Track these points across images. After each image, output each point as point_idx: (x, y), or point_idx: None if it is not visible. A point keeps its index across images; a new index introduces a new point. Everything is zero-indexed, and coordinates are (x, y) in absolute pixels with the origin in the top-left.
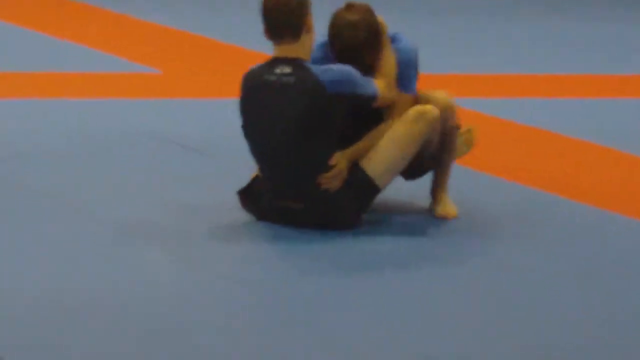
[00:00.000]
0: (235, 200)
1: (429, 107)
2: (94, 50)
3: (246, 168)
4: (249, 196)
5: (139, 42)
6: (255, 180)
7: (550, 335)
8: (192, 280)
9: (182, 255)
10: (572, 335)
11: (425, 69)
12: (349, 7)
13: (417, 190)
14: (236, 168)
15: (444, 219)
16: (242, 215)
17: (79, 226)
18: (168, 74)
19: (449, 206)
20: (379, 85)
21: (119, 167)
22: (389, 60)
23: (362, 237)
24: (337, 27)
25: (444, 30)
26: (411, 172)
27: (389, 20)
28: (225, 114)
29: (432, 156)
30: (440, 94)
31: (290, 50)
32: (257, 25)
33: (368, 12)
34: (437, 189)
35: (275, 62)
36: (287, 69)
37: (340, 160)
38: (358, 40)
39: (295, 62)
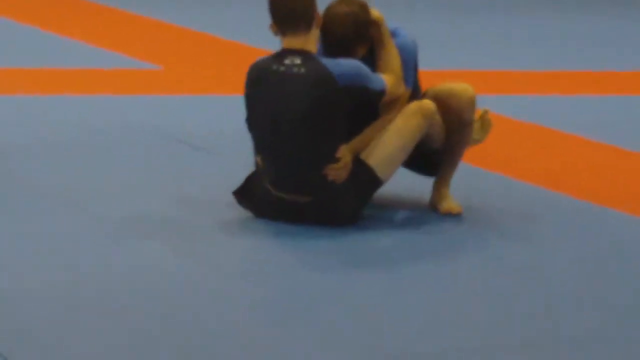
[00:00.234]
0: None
1: (426, 102)
2: (93, 46)
3: (247, 164)
4: (244, 195)
5: (139, 38)
6: (250, 178)
7: (551, 331)
8: (194, 274)
9: (183, 250)
10: (573, 331)
11: (423, 65)
12: (342, 0)
13: (417, 185)
14: (237, 164)
15: (448, 214)
16: (242, 211)
17: (80, 221)
18: (168, 70)
19: (453, 201)
20: (388, 81)
21: (119, 163)
22: (395, 56)
23: (362, 232)
24: (327, 19)
25: (441, 26)
26: (425, 167)
27: (387, 15)
28: (226, 110)
29: (444, 147)
30: (464, 87)
31: (299, 42)
32: (258, 21)
33: (360, 6)
34: (441, 183)
35: (284, 53)
36: (297, 60)
37: (346, 152)
38: (346, 34)
39: (304, 54)
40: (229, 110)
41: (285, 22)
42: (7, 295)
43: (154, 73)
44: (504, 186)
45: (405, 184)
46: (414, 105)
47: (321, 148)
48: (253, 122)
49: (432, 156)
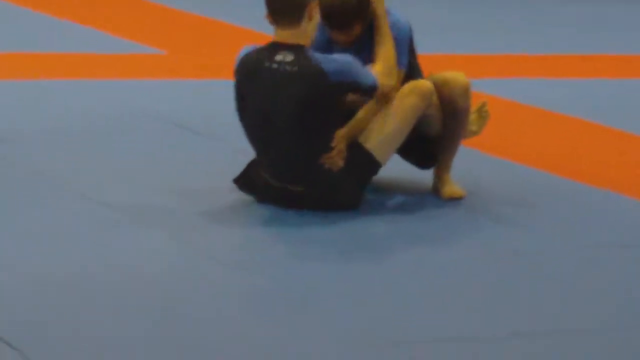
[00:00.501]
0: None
1: (422, 81)
2: (97, 30)
3: (250, 149)
4: (245, 182)
5: (143, 22)
6: (251, 165)
7: (551, 318)
8: (192, 263)
9: (183, 238)
10: (573, 318)
11: (420, 49)
12: None
13: (416, 170)
14: (240, 150)
15: (451, 199)
16: (243, 198)
17: (81, 208)
18: (173, 55)
19: (455, 186)
20: (378, 71)
21: (122, 149)
22: (389, 46)
23: (361, 218)
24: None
25: (438, 11)
26: (423, 159)
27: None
28: (229, 95)
29: (441, 136)
30: (456, 76)
31: (291, 35)
32: (262, 6)
33: None
34: (442, 169)
35: (275, 47)
36: (289, 57)
37: (340, 139)
38: (349, 8)
39: (296, 49)
40: (233, 96)
41: (278, 13)
42: (4, 277)
43: (158, 58)
44: (503, 170)
45: (404, 169)
46: (410, 85)
47: (314, 142)
48: (245, 115)
49: (429, 147)
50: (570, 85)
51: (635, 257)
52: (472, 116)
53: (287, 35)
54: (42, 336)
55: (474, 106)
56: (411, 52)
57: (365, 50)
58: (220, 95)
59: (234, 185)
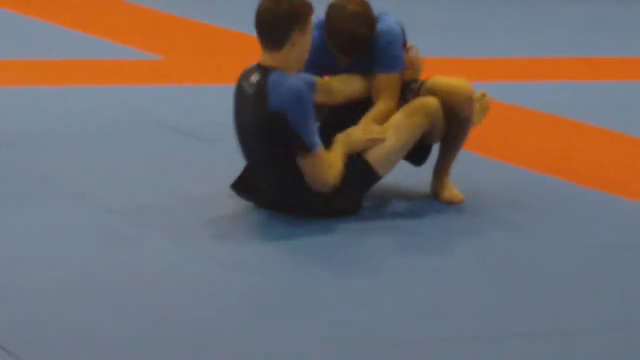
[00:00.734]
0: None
1: (430, 100)
2: (94, 37)
3: None
4: (243, 188)
5: (140, 28)
6: (247, 170)
7: (550, 320)
8: (190, 263)
9: (183, 242)
10: (573, 320)
11: (420, 51)
12: None
13: (415, 173)
14: (236, 154)
15: (450, 203)
16: (242, 202)
17: (80, 213)
18: (170, 60)
19: (454, 190)
20: (326, 156)
21: (120, 154)
22: (338, 154)
23: (359, 222)
24: (337, 18)
25: (436, 13)
26: (418, 158)
27: (375, 3)
28: (226, 100)
29: (444, 139)
30: (463, 86)
31: (273, 59)
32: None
33: (367, 5)
34: (442, 173)
35: (257, 68)
36: (256, 78)
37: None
38: (360, 38)
39: (266, 72)
40: (230, 101)
41: (262, 37)
42: (7, 287)
43: (155, 63)
44: (502, 173)
45: (404, 172)
46: (418, 103)
47: (285, 163)
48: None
49: (424, 144)
50: (569, 88)
51: (633, 258)
52: (478, 104)
53: (269, 59)
54: (41, 337)
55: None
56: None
57: (362, 65)
58: (216, 100)
59: (232, 190)
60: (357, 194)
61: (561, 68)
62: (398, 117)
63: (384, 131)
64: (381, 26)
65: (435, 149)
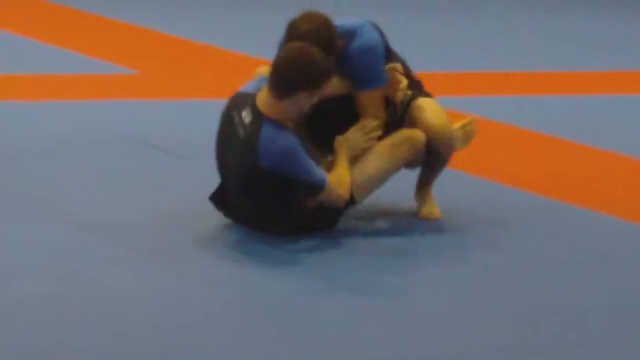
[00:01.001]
0: (211, 204)
1: (416, 134)
2: (67, 50)
3: None
4: (220, 200)
5: (113, 42)
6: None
7: (530, 335)
8: (170, 279)
9: (160, 259)
10: (551, 335)
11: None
12: (304, 16)
13: (399, 190)
14: (213, 170)
15: (427, 219)
16: (220, 218)
17: (55, 230)
18: (143, 75)
19: (433, 207)
20: (330, 180)
21: (94, 170)
22: (342, 169)
23: (340, 237)
24: (290, 37)
25: (415, 27)
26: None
27: (375, 16)
28: (201, 115)
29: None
30: (441, 128)
31: (271, 104)
32: (234, 25)
33: (323, 22)
34: (423, 189)
35: (251, 105)
36: (248, 119)
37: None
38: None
39: (260, 118)
40: (205, 116)
41: (271, 79)
42: None
43: (129, 78)
44: (482, 189)
45: (384, 188)
46: (404, 134)
47: (265, 202)
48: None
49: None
50: (548, 103)
51: (610, 272)
52: (457, 133)
53: (267, 101)
54: (7, 356)
55: (458, 122)
56: (395, 59)
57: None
58: (191, 115)
59: (209, 206)
60: (332, 217)
61: (541, 83)
62: (384, 144)
63: (380, 126)
64: (359, 42)
65: None
